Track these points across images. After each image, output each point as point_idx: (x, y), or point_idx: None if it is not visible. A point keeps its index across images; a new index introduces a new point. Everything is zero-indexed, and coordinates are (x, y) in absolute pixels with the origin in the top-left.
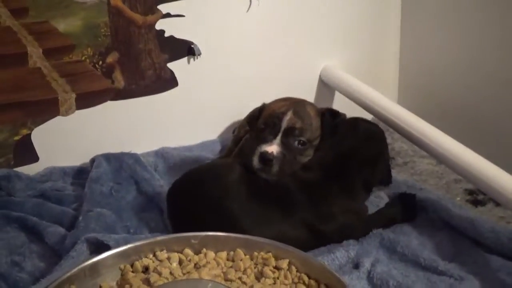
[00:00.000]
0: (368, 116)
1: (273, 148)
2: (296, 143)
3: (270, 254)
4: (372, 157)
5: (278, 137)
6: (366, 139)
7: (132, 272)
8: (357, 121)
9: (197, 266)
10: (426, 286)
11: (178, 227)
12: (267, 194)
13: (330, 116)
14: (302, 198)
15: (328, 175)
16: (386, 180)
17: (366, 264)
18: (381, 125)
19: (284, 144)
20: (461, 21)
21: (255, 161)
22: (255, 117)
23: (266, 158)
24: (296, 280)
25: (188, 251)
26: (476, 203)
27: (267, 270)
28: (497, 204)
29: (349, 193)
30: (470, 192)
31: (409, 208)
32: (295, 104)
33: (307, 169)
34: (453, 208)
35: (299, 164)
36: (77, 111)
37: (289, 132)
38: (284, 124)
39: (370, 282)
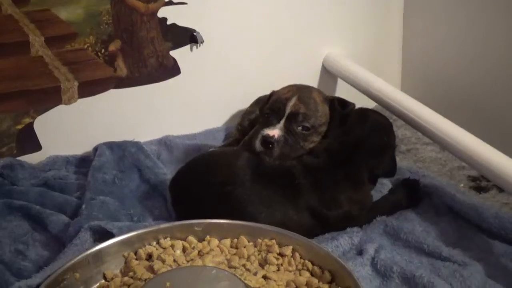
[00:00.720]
0: (372, 104)
1: (275, 132)
2: (299, 128)
3: (273, 241)
4: (379, 148)
5: (282, 122)
6: (374, 130)
7: (136, 259)
8: (366, 112)
9: (200, 254)
10: (430, 272)
11: (182, 215)
12: (273, 179)
13: (339, 105)
14: (306, 182)
15: (334, 162)
16: (391, 172)
17: (370, 250)
18: (385, 112)
19: (287, 129)
20: (465, 8)
21: (257, 144)
22: (264, 103)
23: (267, 141)
24: (300, 266)
25: (191, 238)
26: (479, 189)
27: (271, 257)
28: (501, 190)
29: (354, 182)
30: (474, 179)
31: (413, 194)
32: (301, 90)
33: (314, 155)
34: (457, 194)
35: (303, 149)
36: (79, 100)
37: (293, 117)
38: (288, 109)
39: (374, 268)
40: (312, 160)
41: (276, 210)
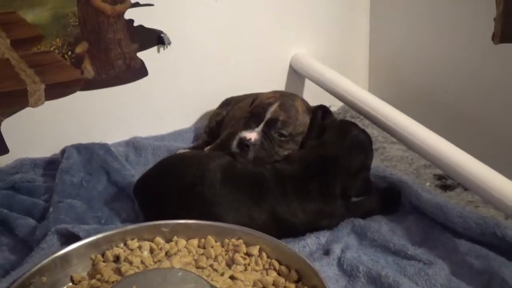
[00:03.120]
0: (338, 103)
1: (252, 135)
2: (276, 134)
3: (241, 240)
4: (355, 167)
5: (260, 126)
6: (353, 148)
7: (103, 262)
8: (347, 127)
9: (168, 254)
10: (396, 271)
11: (150, 216)
12: (244, 182)
13: (320, 116)
14: (276, 189)
15: (308, 173)
16: (364, 192)
17: (336, 250)
18: (351, 112)
19: (264, 133)
20: (431, 8)
21: (234, 145)
22: (248, 107)
23: (243, 143)
24: (267, 266)
25: (159, 239)
26: (445, 188)
27: (238, 257)
28: (466, 188)
29: (326, 195)
30: (439, 177)
31: (390, 204)
32: (284, 97)
33: (288, 163)
34: (423, 193)
35: (278, 155)
36: (46, 102)
37: (272, 123)
38: (268, 115)
39: (340, 268)
40: (285, 167)
41: (243, 213)
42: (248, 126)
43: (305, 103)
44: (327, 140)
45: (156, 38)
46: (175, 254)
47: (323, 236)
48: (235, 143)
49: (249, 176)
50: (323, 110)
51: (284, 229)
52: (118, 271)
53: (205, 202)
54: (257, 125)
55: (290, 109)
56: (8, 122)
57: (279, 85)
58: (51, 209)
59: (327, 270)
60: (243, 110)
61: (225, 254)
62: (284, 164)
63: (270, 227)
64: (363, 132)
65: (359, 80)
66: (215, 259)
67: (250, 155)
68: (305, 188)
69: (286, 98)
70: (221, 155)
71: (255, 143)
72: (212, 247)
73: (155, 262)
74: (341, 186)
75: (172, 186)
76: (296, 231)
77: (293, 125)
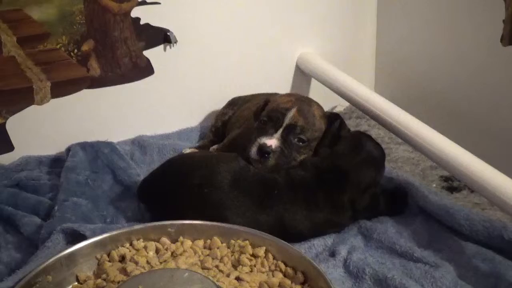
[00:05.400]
0: (345, 104)
1: (272, 142)
2: (295, 140)
3: (247, 242)
4: (365, 183)
5: (279, 132)
6: (364, 163)
7: (109, 261)
8: (362, 140)
9: (174, 255)
10: (402, 273)
11: (156, 215)
12: (254, 186)
13: (336, 126)
14: (286, 194)
15: (319, 180)
16: (372, 207)
17: (342, 252)
18: (357, 113)
19: (284, 139)
20: (438, 9)
21: (253, 152)
22: (259, 109)
23: (264, 151)
24: (273, 267)
25: (165, 239)
26: (451, 189)
27: (244, 258)
28: (472, 190)
29: (335, 205)
30: (446, 179)
31: (397, 206)
32: (301, 102)
33: (302, 168)
34: (429, 195)
35: (295, 161)
36: (52, 100)
37: (291, 128)
38: (287, 120)
39: (346, 270)
40: (299, 172)
41: (250, 218)
42: (266, 132)
43: (320, 108)
44: (340, 151)
45: (162, 37)
46: (180, 254)
47: (329, 238)
48: (254, 150)
49: (260, 180)
50: (338, 119)
51: (290, 235)
52: (123, 271)
53: (212, 204)
54: (275, 131)
55: (308, 114)
56: (13, 119)
57: (285, 84)
58: (56, 208)
59: (333, 272)
60: (250, 110)
61: (231, 255)
62: (298, 169)
63: (276, 233)
64: (378, 146)
65: (365, 80)
66: (221, 260)
67: (271, 162)
68: (315, 196)
69: (304, 103)
70: (232, 158)
71: (276, 150)
72: (218, 248)
73: (161, 263)
74: (349, 198)
75: (179, 187)
76: (302, 238)
77: (311, 130)
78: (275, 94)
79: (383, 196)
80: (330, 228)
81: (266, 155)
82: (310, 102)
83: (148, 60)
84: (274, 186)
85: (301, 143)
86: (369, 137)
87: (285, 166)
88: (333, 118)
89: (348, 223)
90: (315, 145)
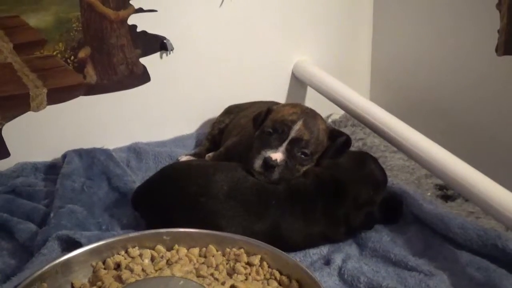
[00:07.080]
0: (340, 112)
1: (278, 155)
2: (299, 153)
3: (242, 250)
4: (361, 199)
5: (284, 145)
6: (365, 179)
7: (104, 269)
8: (366, 160)
9: (169, 263)
10: (396, 282)
11: (151, 223)
12: (251, 196)
13: (341, 143)
14: (284, 204)
15: (318, 190)
16: (366, 225)
17: (337, 260)
18: (353, 121)
19: (288, 152)
20: (434, 18)
21: (257, 164)
22: (260, 118)
23: (269, 164)
24: (268, 276)
25: (160, 247)
26: (446, 198)
27: (239, 266)
28: (467, 199)
29: (331, 218)
30: (441, 187)
31: (392, 215)
32: (306, 114)
33: (302, 176)
34: (424, 203)
35: (298, 172)
36: (48, 107)
37: (296, 142)
38: (293, 133)
39: (341, 279)
40: (300, 180)
41: (246, 228)
42: (269, 143)
43: (324, 121)
44: (343, 164)
45: (159, 44)
46: (176, 262)
47: (324, 246)
48: (259, 162)
49: (259, 189)
50: (334, 131)
51: (285, 245)
52: (119, 279)
53: (208, 213)
54: (280, 143)
55: (313, 128)
56: (9, 126)
57: (281, 92)
58: (52, 215)
59: (328, 280)
60: (248, 118)
61: (226, 263)
62: (300, 177)
63: (271, 243)
64: (382, 170)
65: (360, 89)
66: (216, 268)
67: (275, 175)
68: (313, 207)
69: (308, 116)
70: (230, 167)
71: (281, 163)
72: (213, 256)
73: (156, 270)
74: (345, 213)
75: (175, 195)
76: (296, 249)
77: (315, 144)
78: (275, 103)
79: (378, 206)
80: (324, 241)
81: (271, 169)
82: (315, 115)
83: (144, 68)
84: (273, 194)
85: (304, 156)
86: (375, 159)
87: (289, 178)
88: (332, 131)
89: (342, 238)
90: (318, 158)
